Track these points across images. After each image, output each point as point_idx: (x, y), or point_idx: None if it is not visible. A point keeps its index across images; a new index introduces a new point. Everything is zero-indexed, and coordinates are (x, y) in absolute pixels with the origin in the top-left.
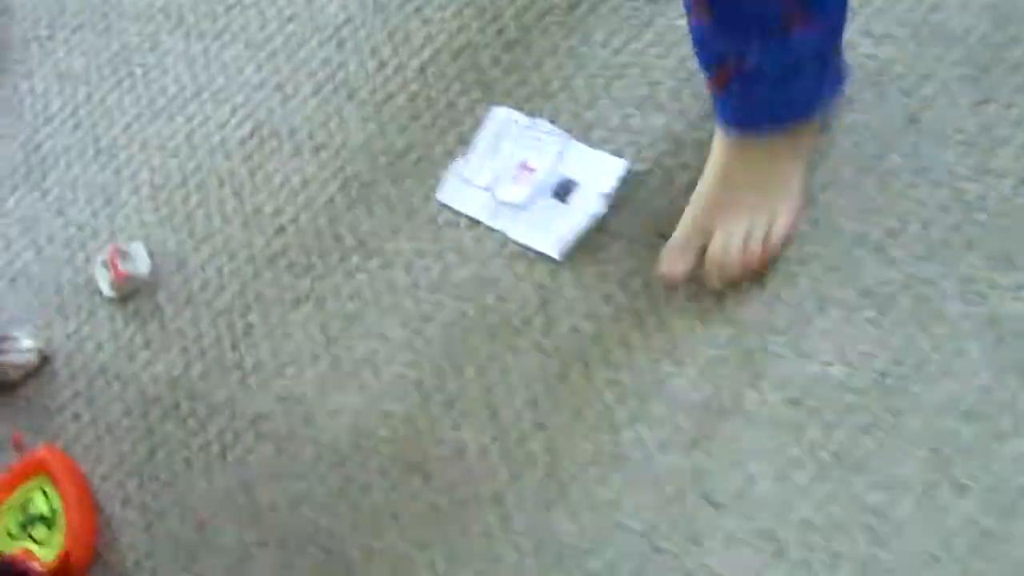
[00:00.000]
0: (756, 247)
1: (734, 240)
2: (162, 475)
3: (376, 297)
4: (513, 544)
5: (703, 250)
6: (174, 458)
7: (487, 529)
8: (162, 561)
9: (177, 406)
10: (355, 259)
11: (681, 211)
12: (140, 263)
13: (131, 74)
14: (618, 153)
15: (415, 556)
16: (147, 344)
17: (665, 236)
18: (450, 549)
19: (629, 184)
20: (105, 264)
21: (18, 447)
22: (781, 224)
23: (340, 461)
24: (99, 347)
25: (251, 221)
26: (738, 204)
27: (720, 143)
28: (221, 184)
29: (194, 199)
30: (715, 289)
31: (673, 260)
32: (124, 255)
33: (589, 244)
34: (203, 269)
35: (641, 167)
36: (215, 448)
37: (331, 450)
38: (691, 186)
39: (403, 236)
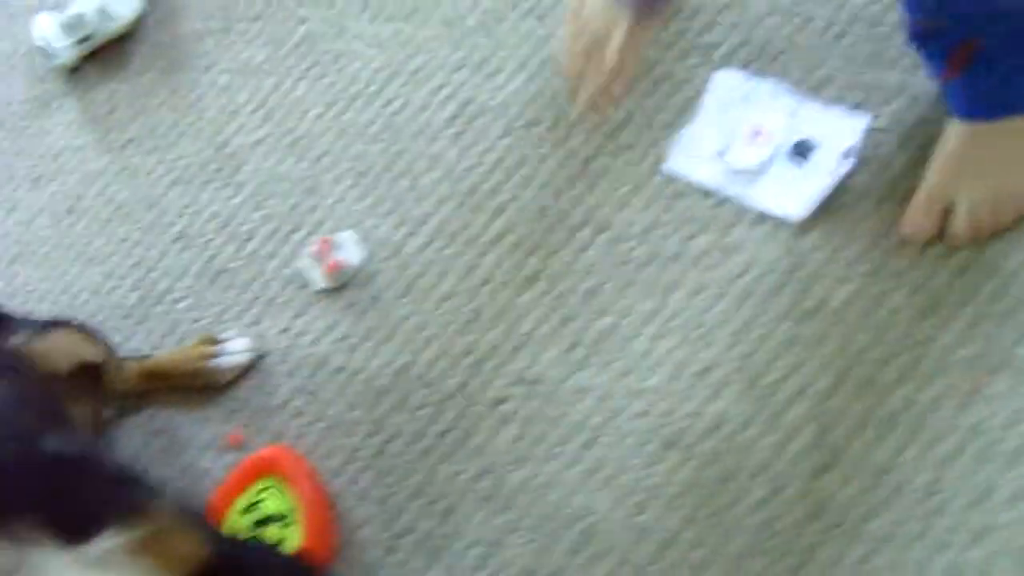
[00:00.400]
0: (1006, 208)
1: (980, 206)
2: (399, 467)
3: (612, 271)
4: (786, 513)
5: (946, 212)
6: (410, 448)
7: (756, 501)
8: (408, 554)
9: (407, 396)
10: (585, 234)
11: (923, 166)
12: (352, 252)
13: (318, 62)
14: (853, 111)
15: (680, 532)
16: (368, 335)
17: (911, 192)
18: (718, 521)
19: (869, 141)
20: (315, 256)
21: (238, 447)
22: None
23: (589, 441)
24: (316, 341)
25: (467, 202)
26: (982, 176)
27: (953, 124)
28: (430, 167)
29: (403, 184)
30: (964, 246)
31: (916, 221)
32: (335, 245)
33: (833, 205)
34: (421, 254)
35: (879, 123)
36: (454, 435)
37: (579, 430)
38: (931, 140)
39: (633, 209)
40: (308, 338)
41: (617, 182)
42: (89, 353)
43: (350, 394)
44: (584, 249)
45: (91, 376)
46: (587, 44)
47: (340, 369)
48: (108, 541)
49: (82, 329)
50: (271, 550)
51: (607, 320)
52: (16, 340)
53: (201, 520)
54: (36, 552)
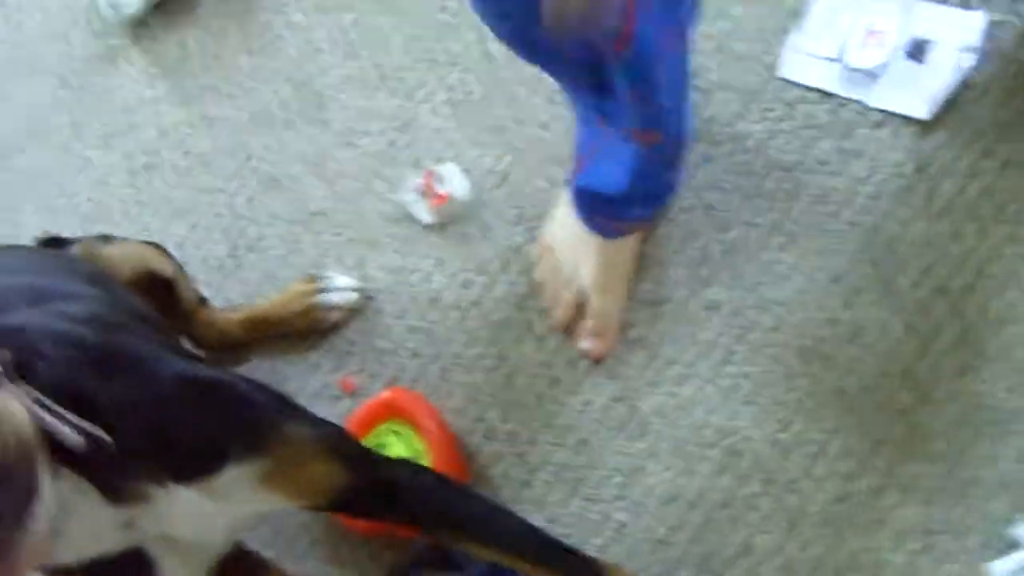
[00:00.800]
0: None
1: None
2: (526, 401)
3: (735, 181)
4: (936, 416)
5: None
6: (537, 381)
7: (903, 406)
8: (545, 488)
9: (529, 327)
10: (700, 148)
11: None
12: (458, 185)
13: None
14: (966, 6)
15: (827, 444)
16: (481, 268)
17: None
18: (865, 431)
19: (988, 35)
20: (419, 190)
21: (352, 394)
22: None
23: (723, 359)
24: (426, 278)
25: (572, 128)
26: None
27: None
28: (532, 92)
29: (504, 112)
30: None
31: None
32: (439, 179)
33: (956, 101)
34: (529, 181)
35: (996, 16)
36: (583, 364)
37: (711, 348)
38: None
39: (749, 119)
40: (417, 276)
41: (731, 91)
42: (157, 264)
43: (467, 330)
44: (701, 164)
45: (161, 294)
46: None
47: (455, 305)
48: (234, 471)
49: (148, 243)
50: (420, 468)
51: (731, 234)
52: (76, 247)
53: (342, 445)
54: (162, 485)
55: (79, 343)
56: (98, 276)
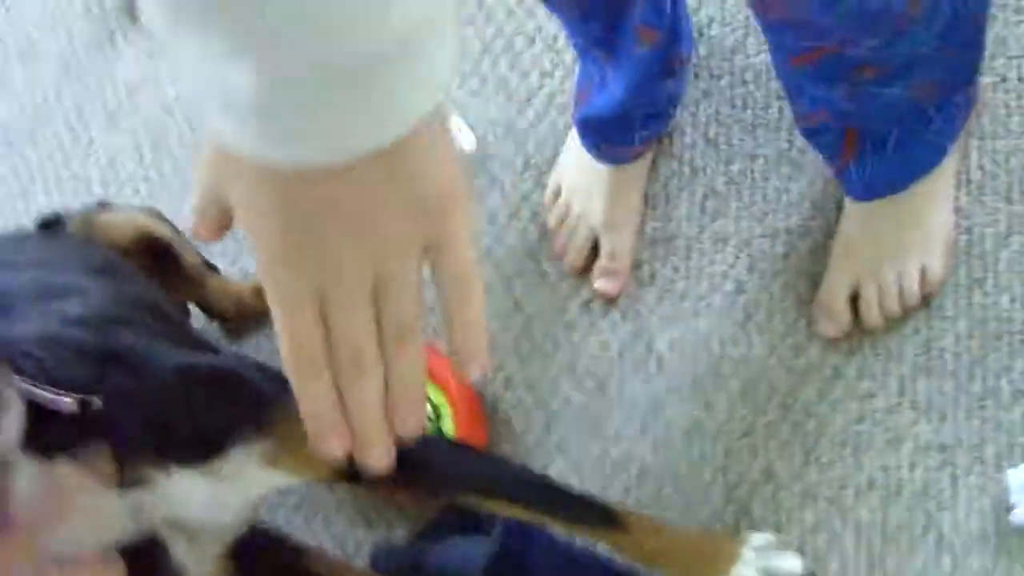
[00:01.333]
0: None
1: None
2: (542, 346)
3: (731, 116)
4: (947, 332)
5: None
6: (553, 325)
7: (915, 324)
8: (568, 431)
9: (544, 274)
10: (700, 84)
11: None
12: (463, 138)
13: None
14: None
15: (842, 368)
16: (492, 218)
17: None
18: (878, 351)
19: None
20: None
21: None
22: (936, 268)
23: (735, 290)
24: None
25: (572, 75)
26: (880, 258)
27: (848, 204)
28: (530, 42)
29: (503, 62)
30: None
31: (824, 321)
32: None
33: None
34: (534, 128)
35: None
36: (597, 305)
37: (722, 280)
38: None
39: (747, 51)
40: None
41: (727, 26)
42: (154, 228)
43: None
44: (701, 99)
45: (163, 260)
46: (573, 219)
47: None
48: (239, 454)
49: (143, 208)
50: (433, 438)
51: (735, 167)
52: (72, 217)
53: None
54: (164, 470)
55: (77, 347)
56: (102, 263)
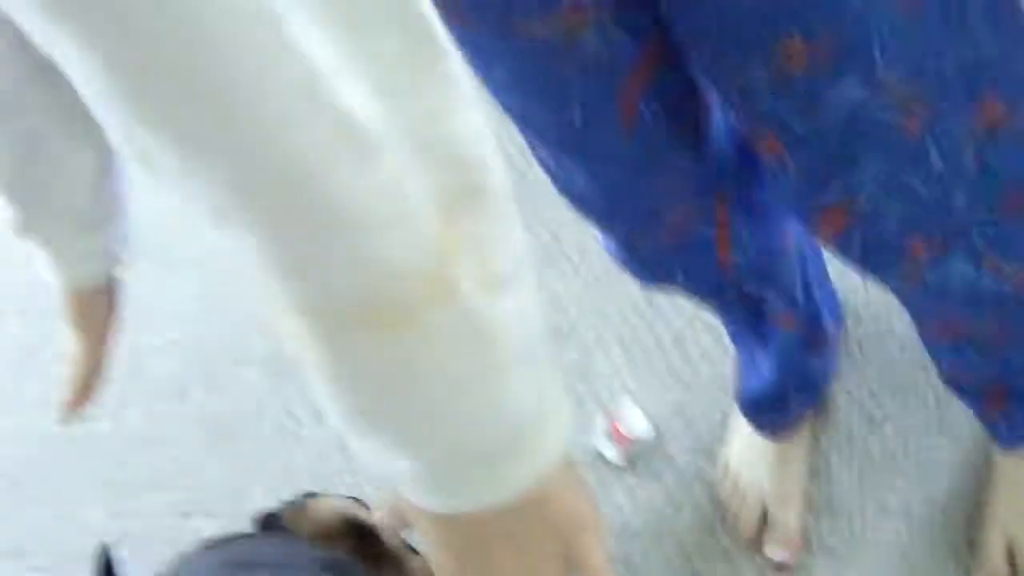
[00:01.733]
0: None
1: None
2: None
3: (880, 381)
4: None
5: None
6: None
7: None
8: None
9: (720, 544)
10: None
11: None
12: (639, 425)
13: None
14: None
15: None
16: (670, 499)
17: None
18: None
19: None
20: (607, 434)
21: None
22: None
23: (903, 556)
24: (619, 508)
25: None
26: None
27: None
28: (696, 330)
29: (672, 349)
30: None
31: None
32: (621, 420)
33: None
34: (705, 416)
35: None
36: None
37: (888, 548)
38: None
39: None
40: (610, 510)
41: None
42: (360, 513)
43: (667, 553)
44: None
45: (365, 543)
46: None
47: (650, 534)
48: None
49: (347, 497)
50: None
51: (889, 434)
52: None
53: None
54: None
55: None
56: (331, 561)
